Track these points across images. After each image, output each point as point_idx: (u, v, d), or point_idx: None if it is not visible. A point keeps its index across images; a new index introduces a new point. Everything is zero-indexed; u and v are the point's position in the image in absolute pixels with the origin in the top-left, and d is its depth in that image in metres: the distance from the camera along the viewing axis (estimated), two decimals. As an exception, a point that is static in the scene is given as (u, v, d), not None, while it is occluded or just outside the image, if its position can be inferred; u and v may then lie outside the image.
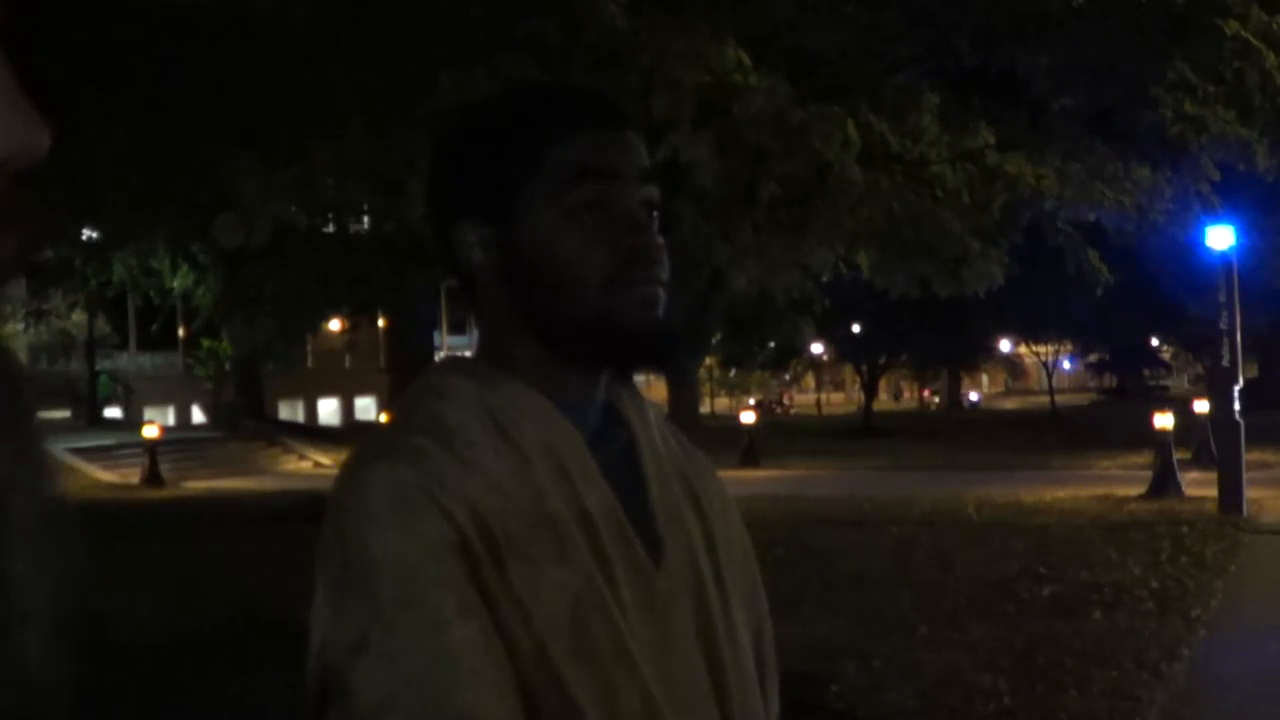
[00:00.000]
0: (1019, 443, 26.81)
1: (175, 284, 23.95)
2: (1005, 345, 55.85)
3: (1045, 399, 51.37)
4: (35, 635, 0.44)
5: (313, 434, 28.14)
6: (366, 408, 39.63)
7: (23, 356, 25.87)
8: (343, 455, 1.07)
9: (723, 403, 59.05)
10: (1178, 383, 68.38)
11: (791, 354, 41.14)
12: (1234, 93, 9.90)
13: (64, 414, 27.82)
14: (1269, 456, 18.56)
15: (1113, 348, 52.35)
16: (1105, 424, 32.22)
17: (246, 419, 26.55)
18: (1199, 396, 21.20)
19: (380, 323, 27.96)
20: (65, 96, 9.83)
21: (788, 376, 60.69)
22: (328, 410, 39.82)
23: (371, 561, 0.96)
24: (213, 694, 6.30)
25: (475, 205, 1.10)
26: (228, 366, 28.58)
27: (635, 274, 1.07)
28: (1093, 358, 61.65)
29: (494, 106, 1.14)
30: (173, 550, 12.13)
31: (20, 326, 26.65)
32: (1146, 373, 60.72)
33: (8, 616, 0.43)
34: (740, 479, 17.61)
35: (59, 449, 21.50)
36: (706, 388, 52.35)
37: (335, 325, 27.15)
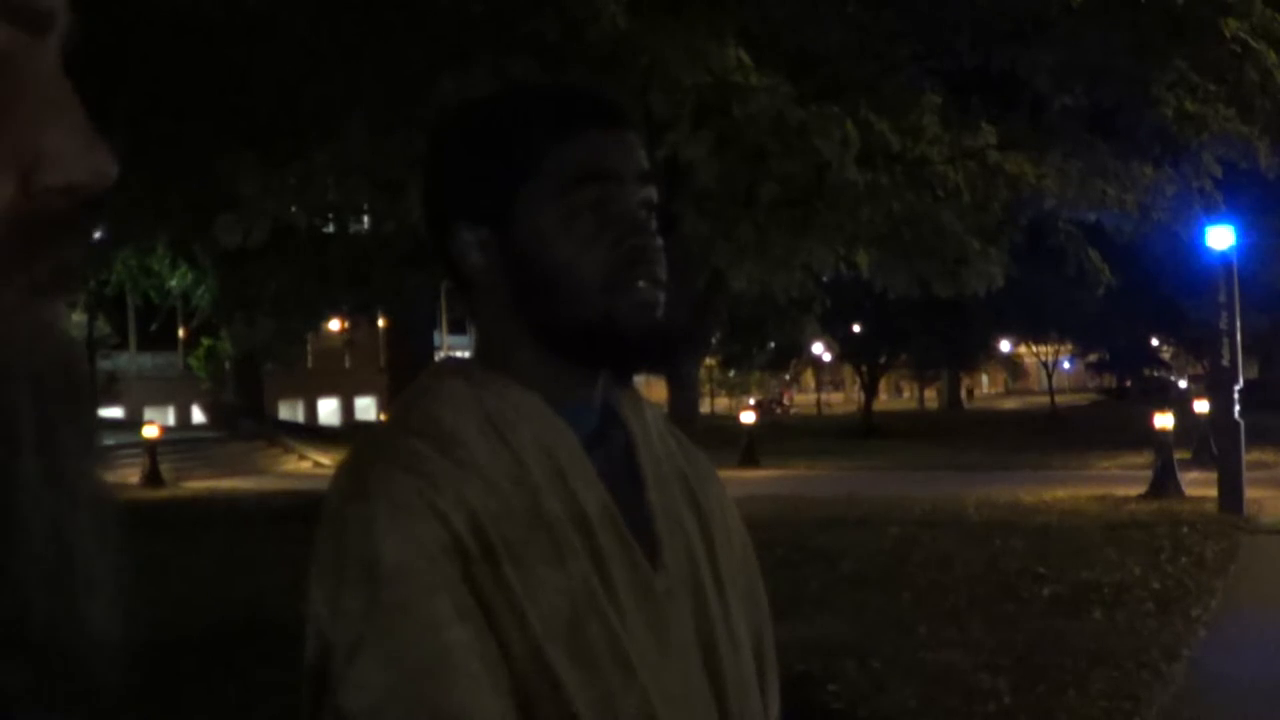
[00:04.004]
0: (1019, 443, 26.81)
1: (175, 284, 23.93)
2: (1005, 345, 55.87)
3: (1045, 399, 51.37)
4: (99, 604, 0.46)
5: (313, 434, 28.14)
6: (366, 408, 39.65)
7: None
8: (342, 455, 1.06)
9: (723, 403, 59.02)
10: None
11: (791, 354, 41.15)
12: (1234, 91, 9.89)
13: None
14: (1269, 456, 18.55)
15: (1113, 348, 52.32)
16: (1105, 424, 32.23)
17: (246, 419, 26.54)
18: (1198, 396, 21.20)
19: (380, 323, 27.97)
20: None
21: (788, 376, 60.67)
22: (328, 410, 39.83)
23: (367, 564, 0.96)
24: (212, 694, 6.29)
25: (473, 206, 1.09)
26: (228, 366, 28.58)
27: (635, 275, 1.06)
28: (1092, 358, 61.61)
29: (492, 106, 1.13)
30: (173, 550, 12.11)
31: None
32: (1148, 372, 60.63)
33: (74, 585, 0.45)
34: (740, 479, 17.60)
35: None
36: (706, 388, 52.34)
37: (335, 325, 27.20)
